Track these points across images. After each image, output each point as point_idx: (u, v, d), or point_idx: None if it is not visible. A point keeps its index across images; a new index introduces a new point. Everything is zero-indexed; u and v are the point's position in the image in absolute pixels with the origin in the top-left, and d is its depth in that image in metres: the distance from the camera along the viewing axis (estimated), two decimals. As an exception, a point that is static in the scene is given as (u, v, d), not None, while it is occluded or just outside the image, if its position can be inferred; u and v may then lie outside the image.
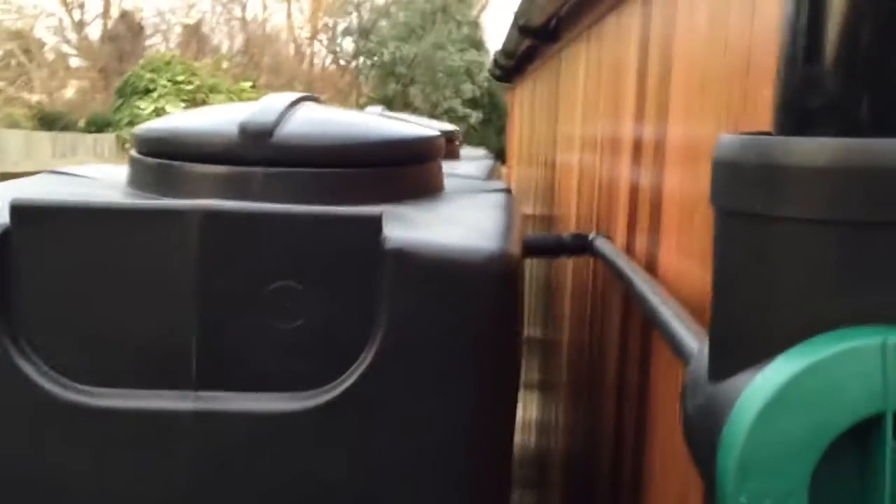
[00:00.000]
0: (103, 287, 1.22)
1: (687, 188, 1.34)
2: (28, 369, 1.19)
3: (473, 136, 17.39)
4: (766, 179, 0.51)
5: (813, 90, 0.51)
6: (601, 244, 1.82)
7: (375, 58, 17.05)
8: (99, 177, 1.79)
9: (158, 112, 11.07)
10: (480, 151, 4.38)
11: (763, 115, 0.97)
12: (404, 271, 1.22)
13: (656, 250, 1.56)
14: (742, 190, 0.54)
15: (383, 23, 16.75)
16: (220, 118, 1.68)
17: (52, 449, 1.20)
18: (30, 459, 1.20)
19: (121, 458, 1.22)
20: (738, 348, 0.58)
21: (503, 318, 1.27)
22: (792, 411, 0.50)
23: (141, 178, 1.67)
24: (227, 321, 1.23)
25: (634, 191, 1.76)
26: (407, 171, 1.67)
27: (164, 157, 1.63)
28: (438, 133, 1.85)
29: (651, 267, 1.59)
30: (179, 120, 1.73)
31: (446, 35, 16.69)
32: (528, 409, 4.10)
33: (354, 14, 18.26)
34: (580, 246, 1.91)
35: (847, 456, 0.51)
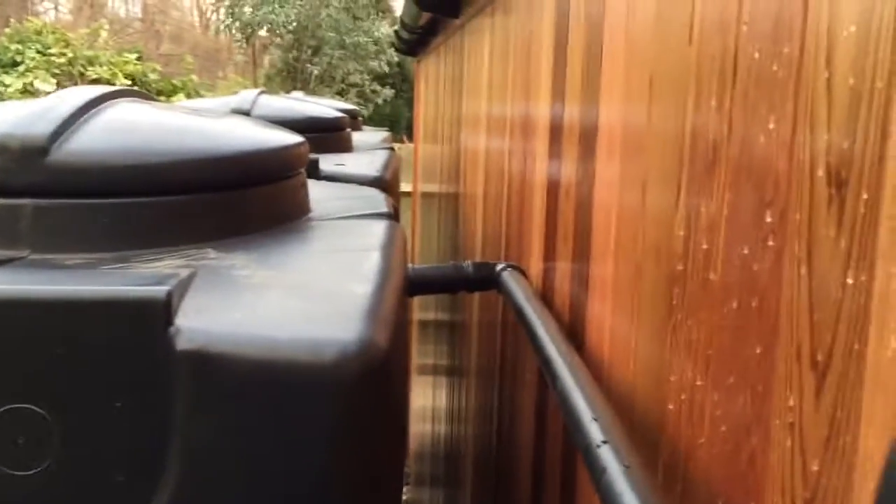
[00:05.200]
0: None
1: (629, 204, 0.95)
2: None
3: (384, 107, 16.83)
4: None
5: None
6: (509, 280, 1.42)
7: (276, 24, 16.18)
8: None
9: (26, 88, 10.01)
10: (380, 135, 3.93)
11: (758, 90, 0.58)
12: (206, 383, 0.79)
13: (581, 295, 1.17)
14: None
15: None
16: (-18, 126, 1.20)
17: None
18: None
19: None
20: None
21: (364, 438, 0.86)
22: None
23: None
24: (-73, 468, 0.78)
25: (553, 214, 1.36)
26: (247, 195, 1.24)
27: None
28: (299, 140, 1.41)
29: (575, 319, 1.20)
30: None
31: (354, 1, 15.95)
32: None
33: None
34: (484, 279, 1.51)
35: None
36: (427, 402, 4.19)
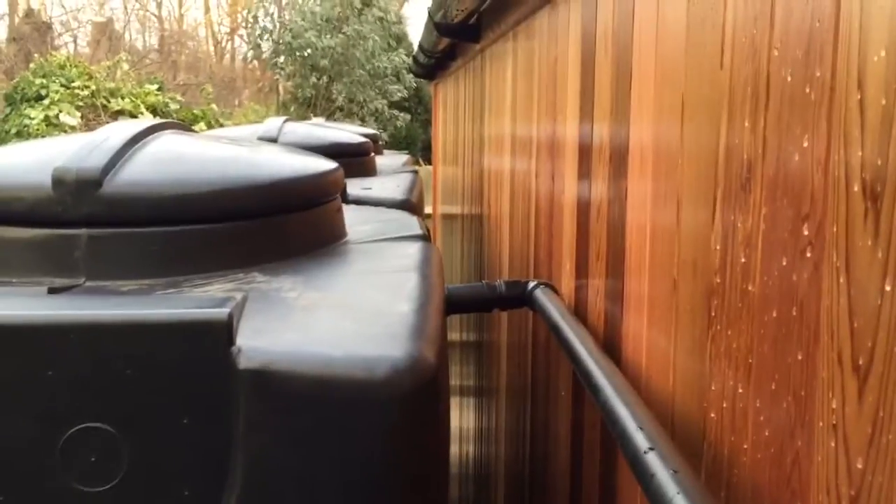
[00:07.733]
0: None
1: (663, 221, 0.98)
2: None
3: (400, 130, 16.95)
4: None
5: None
6: (542, 297, 1.46)
7: (297, 53, 16.43)
8: None
9: (49, 120, 10.20)
10: (401, 158, 3.98)
11: (769, 111, 0.62)
12: (267, 399, 0.83)
13: (615, 310, 1.21)
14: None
15: (299, 19, 16.11)
16: (36, 160, 1.25)
17: None
18: None
19: None
20: None
21: (415, 451, 0.90)
22: None
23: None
24: (8, 484, 0.83)
25: (584, 232, 1.40)
26: (289, 221, 1.28)
27: (-42, 217, 1.21)
28: (335, 166, 1.46)
29: (611, 334, 1.23)
30: (-16, 164, 1.30)
31: (370, 28, 16.16)
32: None
33: (274, 7, 17.59)
34: (516, 297, 1.55)
35: None
36: (454, 423, 4.21)
